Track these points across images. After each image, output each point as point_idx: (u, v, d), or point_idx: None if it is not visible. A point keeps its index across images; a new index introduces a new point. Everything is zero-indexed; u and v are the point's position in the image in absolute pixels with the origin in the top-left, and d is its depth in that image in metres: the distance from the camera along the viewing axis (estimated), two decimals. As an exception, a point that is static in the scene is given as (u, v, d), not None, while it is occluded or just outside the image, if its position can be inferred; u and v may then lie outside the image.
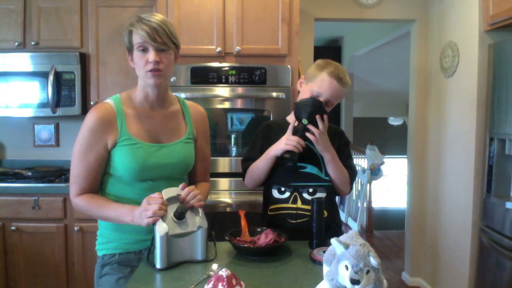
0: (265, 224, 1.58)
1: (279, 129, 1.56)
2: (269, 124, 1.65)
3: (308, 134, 1.43)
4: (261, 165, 1.52)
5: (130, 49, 1.37)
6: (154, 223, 1.22)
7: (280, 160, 1.49)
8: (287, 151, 1.42)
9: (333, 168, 1.50)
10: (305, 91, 1.52)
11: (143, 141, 1.38)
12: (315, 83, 1.49)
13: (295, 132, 1.45)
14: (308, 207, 1.50)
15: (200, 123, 1.56)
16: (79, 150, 1.35)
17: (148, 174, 1.38)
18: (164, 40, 1.31)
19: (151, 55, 1.31)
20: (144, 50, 1.33)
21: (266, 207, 1.61)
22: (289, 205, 1.54)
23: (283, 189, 1.55)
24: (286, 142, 1.42)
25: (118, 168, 1.37)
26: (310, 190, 1.53)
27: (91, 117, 1.35)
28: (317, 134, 1.42)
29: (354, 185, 5.76)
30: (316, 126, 1.43)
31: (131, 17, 1.41)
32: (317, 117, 1.42)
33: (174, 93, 1.58)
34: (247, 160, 1.60)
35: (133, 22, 1.34)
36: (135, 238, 1.41)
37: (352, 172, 1.57)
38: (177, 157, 1.43)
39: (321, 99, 1.46)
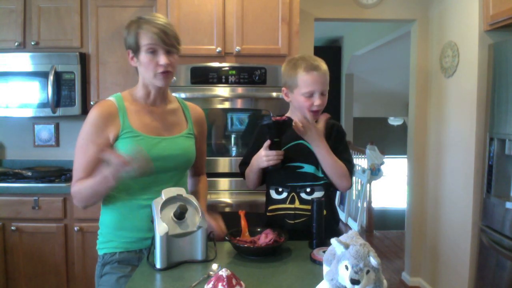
0: (264, 224, 1.57)
1: None
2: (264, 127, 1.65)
3: (294, 127, 1.44)
4: (251, 175, 1.58)
5: (135, 50, 1.37)
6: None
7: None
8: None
9: (324, 158, 1.47)
10: (296, 99, 1.52)
11: (145, 133, 1.40)
12: (300, 87, 1.48)
13: (271, 148, 1.46)
14: (306, 207, 1.49)
15: (200, 123, 1.59)
16: (81, 144, 1.36)
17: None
18: (172, 42, 1.35)
19: (163, 58, 1.34)
20: (153, 52, 1.35)
21: (267, 207, 1.62)
22: (287, 205, 1.54)
23: (280, 189, 1.55)
24: (267, 160, 1.45)
25: None
26: (308, 189, 1.53)
27: (93, 113, 1.37)
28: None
29: (354, 185, 5.74)
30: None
31: (131, 17, 1.42)
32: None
33: (174, 93, 1.60)
34: (243, 164, 1.63)
35: (140, 23, 1.35)
36: (136, 236, 1.41)
37: (349, 165, 1.52)
38: (179, 149, 1.45)
39: (316, 94, 1.47)
